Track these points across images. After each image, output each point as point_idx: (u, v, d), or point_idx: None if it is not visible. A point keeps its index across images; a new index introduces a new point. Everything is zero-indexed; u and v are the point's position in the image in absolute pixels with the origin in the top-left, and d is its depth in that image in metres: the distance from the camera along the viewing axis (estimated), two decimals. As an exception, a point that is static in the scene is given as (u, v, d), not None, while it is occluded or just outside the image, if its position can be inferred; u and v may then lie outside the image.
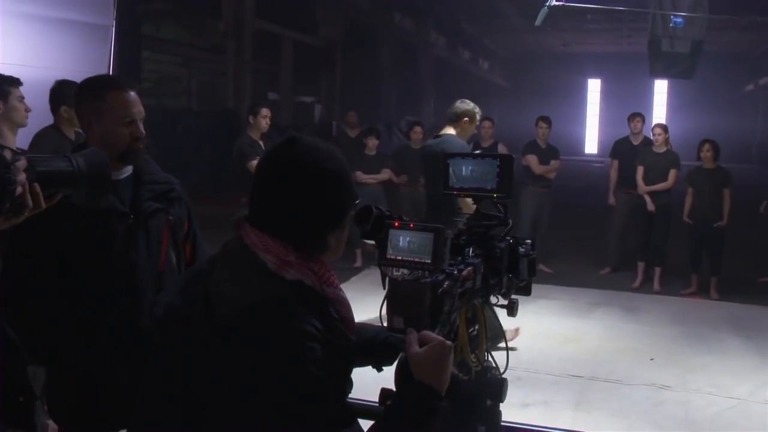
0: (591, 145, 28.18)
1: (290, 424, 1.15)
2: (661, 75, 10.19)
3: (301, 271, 1.24)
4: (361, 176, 7.24)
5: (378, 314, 1.42)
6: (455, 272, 1.38)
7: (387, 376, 1.43)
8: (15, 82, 3.43)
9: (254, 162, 5.33)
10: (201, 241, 2.26)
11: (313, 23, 17.18)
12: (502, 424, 1.61)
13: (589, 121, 28.95)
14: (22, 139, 3.54)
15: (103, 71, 4.49)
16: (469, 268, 1.42)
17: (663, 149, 6.86)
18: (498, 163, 1.55)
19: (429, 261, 1.32)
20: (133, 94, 2.01)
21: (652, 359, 4.89)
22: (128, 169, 2.05)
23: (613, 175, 7.45)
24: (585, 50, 24.71)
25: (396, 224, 1.38)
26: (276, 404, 1.15)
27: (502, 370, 1.58)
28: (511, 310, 1.57)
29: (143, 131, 2.01)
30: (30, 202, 1.19)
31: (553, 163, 7.39)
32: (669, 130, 7.04)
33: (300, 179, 1.25)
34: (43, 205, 1.22)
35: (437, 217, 1.62)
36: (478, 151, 5.20)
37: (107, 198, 1.87)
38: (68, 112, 3.53)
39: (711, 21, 9.16)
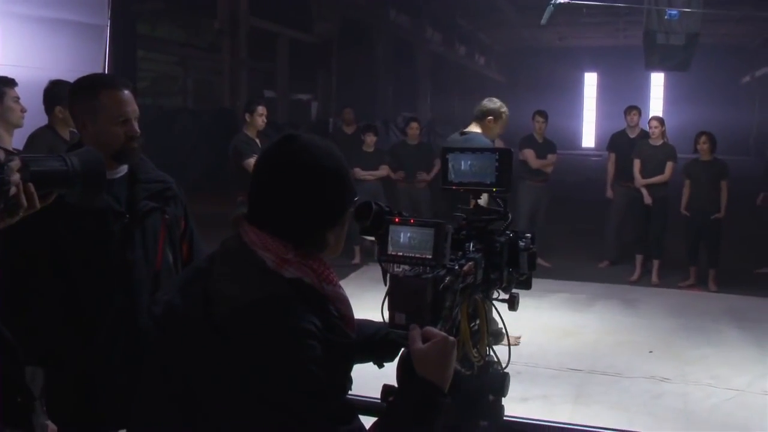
0: (588, 139, 28.24)
1: (290, 422, 1.14)
2: (657, 68, 10.20)
3: (301, 269, 1.23)
4: (359, 173, 7.24)
5: (379, 310, 1.41)
6: (456, 267, 1.38)
7: (388, 373, 1.42)
8: (10, 82, 3.42)
9: (251, 160, 5.32)
10: (198, 240, 2.26)
11: (308, 20, 17.15)
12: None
13: (586, 115, 29.00)
14: (17, 139, 3.53)
15: (98, 71, 4.47)
16: (470, 263, 1.41)
17: (659, 142, 6.87)
18: (497, 157, 1.54)
19: (430, 256, 1.32)
20: (127, 92, 2.00)
21: (650, 352, 4.89)
22: (123, 169, 2.04)
23: (610, 168, 7.45)
24: (581, 44, 24.71)
25: (396, 220, 1.38)
26: (276, 402, 1.14)
27: (504, 365, 1.57)
28: (512, 304, 1.57)
29: (138, 130, 2.00)
30: (24, 202, 1.18)
31: (550, 157, 7.39)
32: (666, 122, 7.05)
33: (298, 177, 1.25)
34: (38, 205, 1.21)
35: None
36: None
37: (102, 197, 1.86)
38: (63, 113, 3.52)
39: (706, 13, 9.16)
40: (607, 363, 4.67)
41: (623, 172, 7.17)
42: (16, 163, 1.16)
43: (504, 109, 4.68)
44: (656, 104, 25.57)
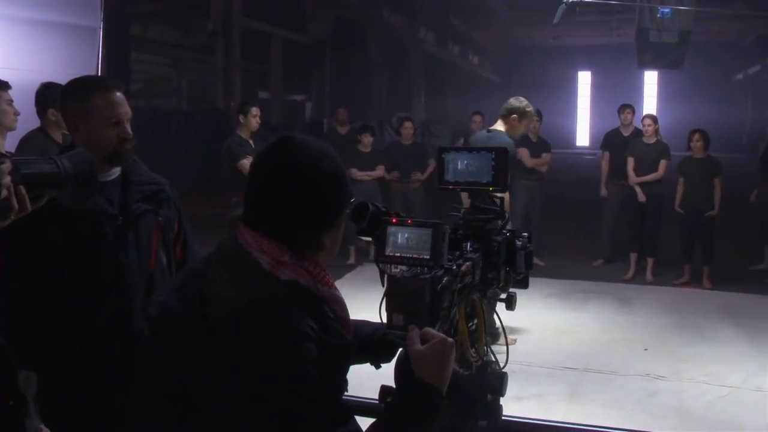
0: (582, 138, 28.30)
1: (286, 424, 1.14)
2: (650, 66, 10.23)
3: (296, 271, 1.23)
4: (356, 173, 7.23)
5: (374, 310, 1.40)
6: (454, 268, 1.38)
7: (384, 373, 1.42)
8: (3, 85, 3.40)
9: (244, 161, 5.31)
10: (192, 242, 2.24)
11: (301, 21, 17.13)
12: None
13: (580, 114, 29.06)
14: (10, 143, 3.51)
15: (91, 73, 4.44)
16: (467, 263, 1.41)
17: (653, 140, 6.89)
18: (493, 156, 1.54)
19: (428, 257, 1.31)
20: (119, 94, 1.99)
21: (645, 350, 4.91)
22: (116, 171, 2.03)
23: (605, 166, 7.47)
24: (575, 43, 24.76)
25: (393, 221, 1.37)
26: (272, 404, 1.14)
27: (502, 365, 1.57)
28: (510, 303, 1.57)
29: (130, 132, 1.99)
30: (15, 205, 1.17)
31: (545, 156, 7.40)
32: (659, 120, 7.07)
33: (294, 179, 1.24)
34: (29, 207, 1.21)
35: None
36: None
37: (94, 199, 1.85)
38: (55, 115, 3.50)
39: (699, 11, 9.19)
40: (602, 361, 4.68)
41: (617, 171, 7.19)
42: (6, 166, 1.16)
43: (530, 108, 4.77)
44: (650, 102, 25.64)
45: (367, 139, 7.57)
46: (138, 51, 16.43)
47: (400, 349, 1.34)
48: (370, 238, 1.40)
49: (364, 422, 1.26)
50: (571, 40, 24.19)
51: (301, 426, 1.14)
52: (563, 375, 4.46)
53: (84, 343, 1.95)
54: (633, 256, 7.07)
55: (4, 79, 3.43)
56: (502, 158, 1.54)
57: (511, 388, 1.57)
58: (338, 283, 1.32)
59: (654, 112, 7.97)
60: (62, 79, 2.13)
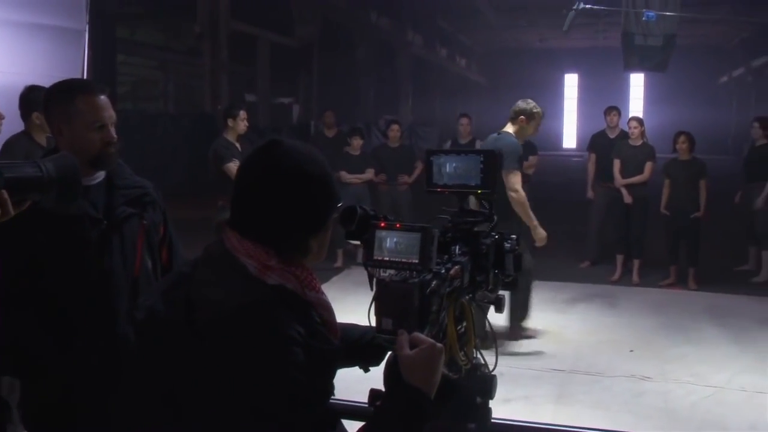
0: (569, 140, 28.48)
1: (272, 428, 1.14)
2: (636, 68, 10.32)
3: (283, 276, 1.22)
4: (345, 176, 7.21)
5: (362, 313, 1.40)
6: (443, 271, 1.37)
7: (373, 377, 1.41)
8: (-13, 88, 3.36)
9: (231, 164, 5.28)
10: (177, 245, 2.23)
11: (289, 23, 17.11)
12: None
13: (567, 116, 29.26)
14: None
15: (76, 76, 4.40)
16: (456, 267, 1.40)
17: (639, 142, 6.94)
18: (482, 159, 1.53)
19: (417, 261, 1.31)
20: (103, 98, 1.97)
21: (631, 351, 4.93)
22: (100, 174, 2.01)
23: (591, 168, 7.51)
24: (561, 45, 24.92)
25: (382, 224, 1.37)
26: (258, 408, 1.14)
27: (491, 367, 1.57)
28: (499, 306, 1.57)
29: (115, 136, 1.97)
30: (-3, 210, 1.16)
31: (532, 158, 7.40)
32: (645, 122, 7.12)
33: (281, 183, 1.23)
34: (12, 211, 1.19)
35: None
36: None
37: (78, 203, 1.83)
38: (40, 119, 3.46)
39: (684, 15, 9.27)
40: (589, 362, 4.70)
41: (603, 173, 7.23)
42: (-12, 170, 1.14)
43: (537, 109, 4.81)
44: (636, 104, 25.88)
45: (356, 142, 7.57)
46: (125, 53, 16.34)
47: (389, 353, 1.34)
48: (358, 242, 1.40)
49: (353, 425, 1.26)
50: (557, 43, 24.35)
51: (288, 430, 1.14)
52: (550, 377, 4.47)
53: (68, 349, 1.93)
54: (619, 258, 7.11)
55: (-12, 82, 3.39)
56: (490, 161, 1.53)
57: (499, 390, 1.57)
58: (325, 287, 1.31)
59: (640, 115, 8.04)
60: (47, 82, 2.11)
